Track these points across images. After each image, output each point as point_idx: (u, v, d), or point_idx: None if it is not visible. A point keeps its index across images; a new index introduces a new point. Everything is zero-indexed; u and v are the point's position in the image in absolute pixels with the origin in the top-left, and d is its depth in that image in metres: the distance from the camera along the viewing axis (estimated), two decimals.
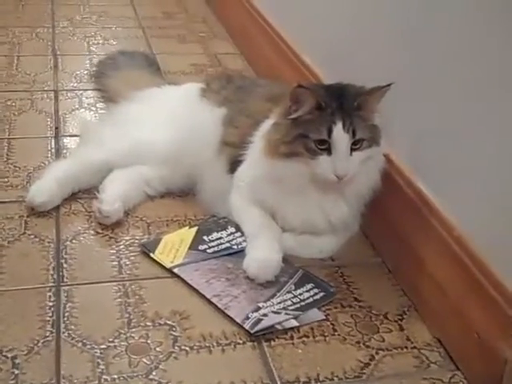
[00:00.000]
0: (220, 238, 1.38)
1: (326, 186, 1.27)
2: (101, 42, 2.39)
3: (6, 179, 1.53)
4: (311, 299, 1.24)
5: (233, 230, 1.40)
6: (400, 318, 1.23)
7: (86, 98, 1.93)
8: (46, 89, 1.97)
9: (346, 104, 1.24)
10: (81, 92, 1.96)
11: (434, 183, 1.23)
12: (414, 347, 1.16)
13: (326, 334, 1.17)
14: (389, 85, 1.22)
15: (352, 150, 1.24)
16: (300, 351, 1.13)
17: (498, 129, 1.06)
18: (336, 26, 1.65)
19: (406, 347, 1.16)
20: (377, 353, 1.14)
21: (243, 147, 1.40)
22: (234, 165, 1.43)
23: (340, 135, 1.22)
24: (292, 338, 1.16)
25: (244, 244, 1.34)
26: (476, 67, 1.11)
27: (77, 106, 1.89)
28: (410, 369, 1.12)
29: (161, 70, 1.99)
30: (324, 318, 1.21)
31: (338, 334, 1.18)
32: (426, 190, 1.24)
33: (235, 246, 1.36)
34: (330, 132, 1.22)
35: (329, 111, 1.23)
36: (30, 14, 2.60)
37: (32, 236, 1.36)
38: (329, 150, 1.23)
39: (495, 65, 1.06)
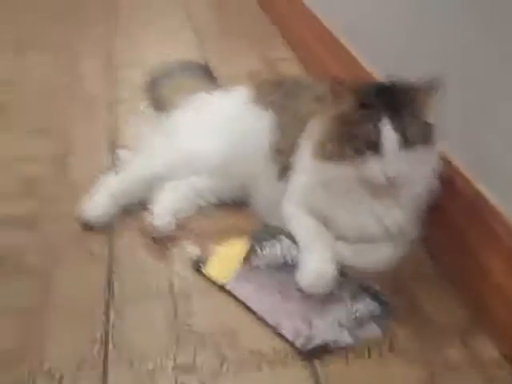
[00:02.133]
0: (274, 251, 1.33)
1: (379, 191, 1.21)
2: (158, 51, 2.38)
3: (59, 194, 1.54)
4: (367, 313, 1.18)
5: (288, 242, 1.34)
6: (464, 333, 1.15)
7: (143, 108, 1.92)
8: (104, 102, 1.99)
9: (394, 101, 1.17)
10: (137, 103, 1.96)
11: (499, 188, 1.15)
12: (480, 365, 1.08)
13: (382, 351, 1.11)
14: (439, 80, 1.15)
15: (403, 149, 1.16)
16: (355, 371, 1.08)
17: None
18: (400, 35, 1.57)
19: (471, 365, 1.08)
20: (439, 371, 1.07)
21: (293, 152, 1.35)
22: (284, 171, 1.38)
23: (389, 135, 1.15)
24: (346, 356, 1.10)
25: (299, 256, 1.29)
26: None
27: (133, 118, 1.88)
28: None
29: (216, 78, 1.96)
30: (381, 333, 1.15)
31: (396, 352, 1.11)
32: (491, 195, 1.16)
33: (289, 260, 1.30)
34: (377, 132, 1.15)
35: (375, 110, 1.17)
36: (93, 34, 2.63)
37: (84, 252, 1.35)
38: (378, 151, 1.17)
39: None
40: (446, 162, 1.25)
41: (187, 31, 2.60)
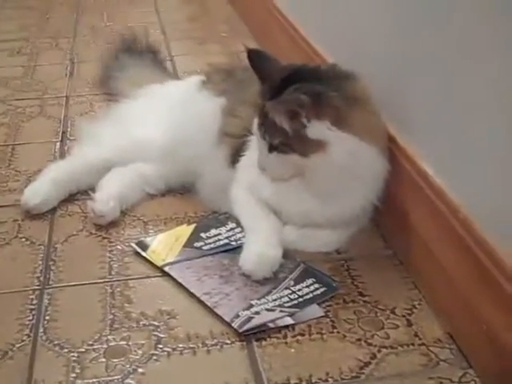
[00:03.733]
0: (218, 235, 1.30)
1: None
2: None
3: (5, 184, 1.49)
4: (310, 295, 1.14)
5: (233, 225, 1.31)
6: (409, 312, 1.11)
7: (97, 102, 1.88)
8: (57, 95, 1.94)
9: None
10: (92, 97, 1.92)
11: (442, 167, 1.11)
12: (423, 344, 1.04)
13: (323, 331, 1.07)
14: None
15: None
16: (293, 351, 1.03)
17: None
18: (358, 24, 1.54)
19: (413, 344, 1.04)
20: (379, 351, 1.03)
21: (244, 138, 1.32)
22: (234, 156, 1.35)
23: (256, 132, 1.18)
24: (285, 336, 1.06)
25: (243, 240, 1.26)
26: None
27: (86, 111, 1.85)
28: (416, 367, 1.00)
29: (167, 68, 1.92)
30: (323, 314, 1.11)
31: (338, 332, 1.07)
32: (433, 174, 1.12)
33: (234, 242, 1.27)
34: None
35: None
36: (54, 26, 2.60)
37: (23, 239, 1.30)
38: None
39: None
40: (398, 148, 1.22)
41: (155, 26, 2.56)
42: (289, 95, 1.12)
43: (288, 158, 1.16)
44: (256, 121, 1.20)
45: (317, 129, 1.13)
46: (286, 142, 1.15)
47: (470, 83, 1.02)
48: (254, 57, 1.22)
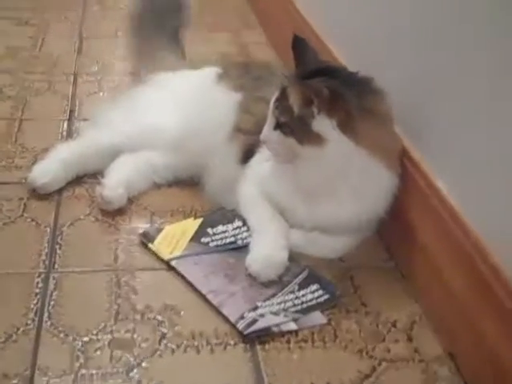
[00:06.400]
0: (225, 232, 1.30)
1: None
2: None
3: (11, 160, 1.48)
4: (314, 301, 1.15)
5: (240, 223, 1.32)
6: (410, 327, 1.13)
7: (106, 82, 1.87)
8: (66, 71, 1.93)
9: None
10: (101, 76, 1.91)
11: (457, 186, 1.13)
12: (422, 360, 1.06)
13: (326, 339, 1.08)
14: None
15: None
16: (296, 357, 1.05)
17: None
18: (365, 16, 1.55)
19: (413, 359, 1.06)
20: (379, 364, 1.05)
21: (257, 135, 1.32)
22: (247, 154, 1.35)
23: (270, 105, 1.21)
24: (289, 342, 1.07)
25: (249, 239, 1.26)
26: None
27: (95, 90, 1.83)
28: (415, 383, 1.02)
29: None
30: (326, 322, 1.12)
31: (340, 341, 1.08)
32: (446, 191, 1.14)
33: (240, 241, 1.28)
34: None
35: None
36: None
37: (29, 219, 1.30)
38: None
39: None
40: (409, 160, 1.23)
41: None
42: (313, 82, 1.14)
43: (286, 140, 1.19)
44: (275, 95, 1.22)
45: (322, 123, 1.15)
46: (290, 123, 1.17)
47: (488, 101, 1.04)
48: (299, 43, 1.26)
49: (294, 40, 1.25)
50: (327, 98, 1.13)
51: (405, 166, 1.23)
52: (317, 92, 1.13)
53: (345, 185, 1.20)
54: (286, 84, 1.18)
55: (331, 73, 1.18)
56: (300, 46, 1.25)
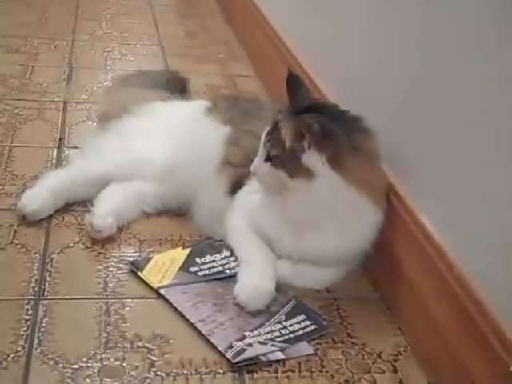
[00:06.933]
0: (213, 261, 1.32)
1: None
2: (118, 57, 2.36)
3: (1, 186, 1.49)
4: (301, 331, 1.17)
5: (227, 253, 1.34)
6: (395, 358, 1.15)
7: (95, 111, 1.89)
8: (55, 99, 1.94)
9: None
10: (90, 105, 1.93)
11: (438, 220, 1.16)
12: None
13: (313, 369, 1.10)
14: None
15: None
16: None
17: None
18: (352, 53, 1.60)
19: None
20: None
21: (245, 168, 1.35)
22: (235, 186, 1.38)
23: (262, 138, 1.24)
24: (276, 371, 1.09)
25: (237, 269, 1.28)
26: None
27: (84, 119, 1.85)
28: None
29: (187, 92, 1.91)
30: (313, 352, 1.14)
31: (326, 371, 1.10)
32: (431, 227, 1.17)
33: (228, 271, 1.30)
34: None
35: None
36: (53, 25, 2.59)
37: (19, 246, 1.31)
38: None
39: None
40: (394, 194, 1.27)
41: (153, 39, 2.58)
42: (305, 117, 1.18)
43: (276, 172, 1.22)
44: (266, 128, 1.25)
45: (312, 158, 1.18)
46: (281, 157, 1.21)
47: (473, 140, 1.08)
48: (292, 80, 1.29)
49: (289, 76, 1.28)
50: (318, 133, 1.16)
51: (391, 202, 1.26)
52: (308, 127, 1.16)
53: (331, 218, 1.23)
54: (278, 118, 1.21)
55: (323, 109, 1.22)
56: (294, 83, 1.28)
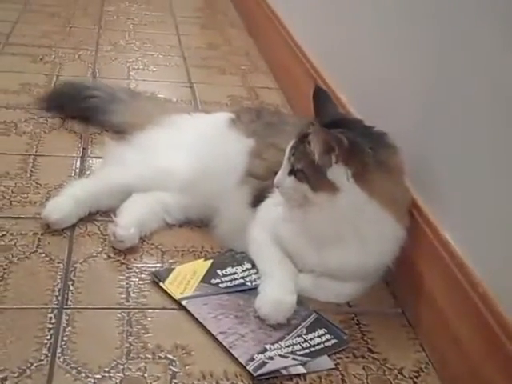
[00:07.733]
0: (234, 274, 1.33)
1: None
2: (141, 67, 2.39)
3: (25, 195, 1.51)
4: (322, 345, 1.17)
5: (249, 266, 1.35)
6: (416, 375, 1.15)
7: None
8: None
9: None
10: None
11: (462, 236, 1.16)
12: None
13: None
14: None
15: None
16: None
17: None
18: (373, 65, 1.61)
19: None
20: None
21: (268, 180, 1.35)
22: (257, 198, 1.38)
23: (286, 151, 1.24)
24: None
25: (258, 281, 1.29)
26: None
27: (107, 129, 1.87)
28: None
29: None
30: (334, 367, 1.14)
31: None
32: (454, 243, 1.17)
33: (249, 283, 1.30)
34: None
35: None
36: (76, 36, 2.62)
37: (43, 255, 1.32)
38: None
39: None
40: (417, 210, 1.26)
41: (175, 50, 2.60)
42: (334, 131, 1.18)
43: (300, 186, 1.22)
44: (291, 142, 1.25)
45: (338, 172, 1.18)
46: (306, 170, 1.20)
47: (496, 155, 1.07)
48: (319, 94, 1.30)
49: (316, 91, 1.29)
50: (346, 148, 1.16)
51: (414, 218, 1.26)
52: (338, 141, 1.16)
53: (354, 233, 1.23)
54: (306, 131, 1.21)
55: (349, 125, 1.22)
56: (321, 97, 1.29)
